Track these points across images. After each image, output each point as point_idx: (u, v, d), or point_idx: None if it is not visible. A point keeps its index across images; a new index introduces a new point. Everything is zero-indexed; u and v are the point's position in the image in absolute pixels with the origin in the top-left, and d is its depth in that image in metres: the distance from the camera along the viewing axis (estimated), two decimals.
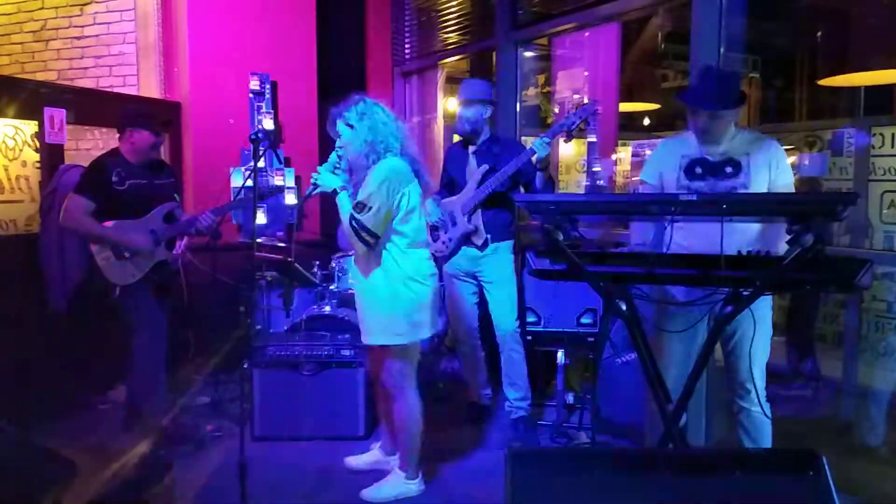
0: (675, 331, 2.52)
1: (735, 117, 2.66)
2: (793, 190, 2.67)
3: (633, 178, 5.55)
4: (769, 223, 2.56)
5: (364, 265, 2.88)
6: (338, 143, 2.88)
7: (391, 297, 2.83)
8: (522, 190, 3.62)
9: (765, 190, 2.58)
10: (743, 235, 2.52)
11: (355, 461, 3.26)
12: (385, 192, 2.73)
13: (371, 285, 2.86)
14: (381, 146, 2.78)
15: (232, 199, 4.31)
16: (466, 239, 3.68)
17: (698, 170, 2.66)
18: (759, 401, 2.59)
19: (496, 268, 3.67)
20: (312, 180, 2.87)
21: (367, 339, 2.94)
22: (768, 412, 2.61)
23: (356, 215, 2.73)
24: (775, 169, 2.58)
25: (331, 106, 2.91)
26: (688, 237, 2.58)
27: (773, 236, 2.56)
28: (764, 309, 2.58)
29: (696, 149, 2.68)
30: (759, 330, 2.43)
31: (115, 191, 3.33)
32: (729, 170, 2.60)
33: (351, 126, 2.81)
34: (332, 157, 2.90)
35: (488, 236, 3.64)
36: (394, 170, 2.77)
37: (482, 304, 3.82)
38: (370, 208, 2.72)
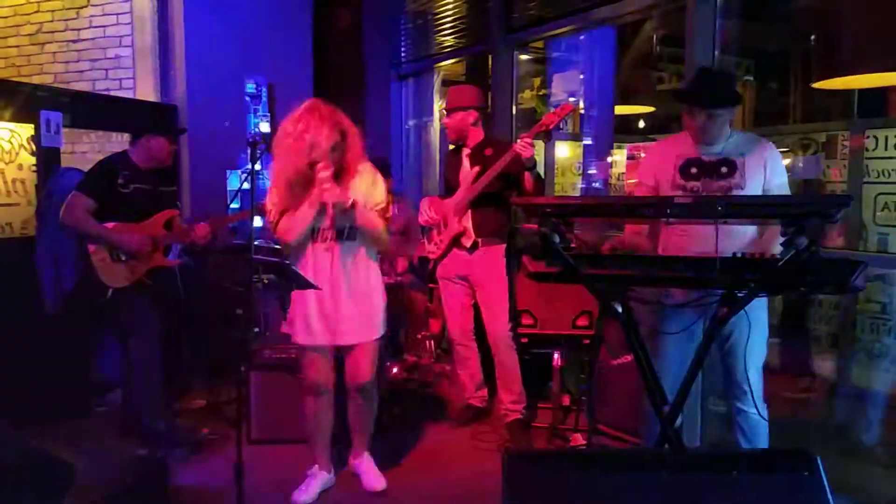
0: (671, 332, 2.53)
1: (730, 117, 2.67)
2: (787, 191, 2.68)
3: (629, 181, 5.58)
4: (765, 226, 2.58)
5: (365, 264, 2.93)
6: (335, 150, 2.74)
7: (383, 289, 3.02)
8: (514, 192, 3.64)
9: (759, 191, 2.59)
10: (740, 239, 2.54)
11: (306, 496, 2.97)
12: None
13: (374, 280, 2.97)
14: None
15: (228, 201, 4.32)
16: (456, 240, 3.69)
17: (693, 170, 2.67)
18: (755, 402, 2.60)
19: (487, 270, 3.68)
20: (333, 199, 2.68)
21: (375, 334, 2.97)
22: (765, 414, 2.62)
23: (386, 214, 2.92)
24: (770, 170, 2.60)
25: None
26: (684, 239, 2.59)
27: (769, 239, 2.58)
28: (759, 311, 2.59)
29: (691, 149, 2.70)
30: (755, 332, 2.44)
31: (119, 193, 3.33)
32: (724, 170, 2.62)
33: (345, 133, 2.77)
34: (327, 173, 2.69)
35: (479, 239, 3.65)
36: None
37: (476, 306, 3.83)
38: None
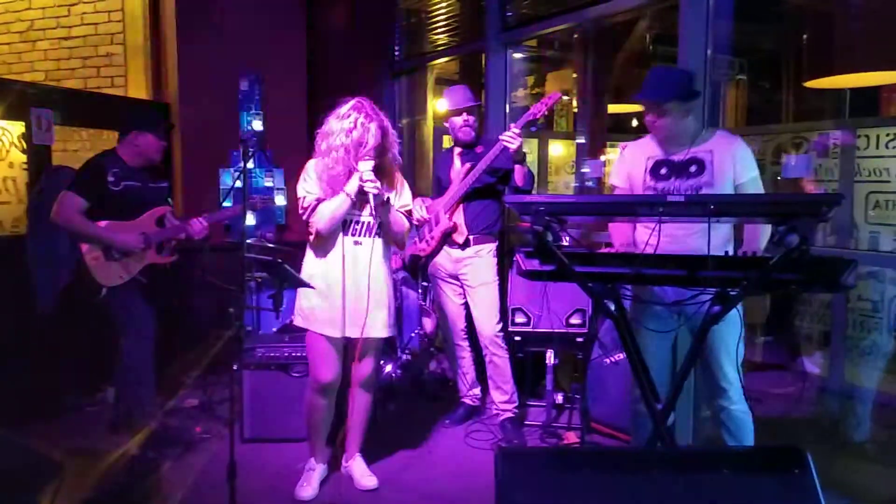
0: (657, 330, 2.53)
1: (683, 114, 2.62)
2: (760, 185, 2.65)
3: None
4: (740, 225, 2.58)
5: (386, 262, 3.02)
6: (377, 148, 2.82)
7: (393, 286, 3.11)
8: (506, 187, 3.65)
9: (730, 187, 2.58)
10: (715, 234, 2.53)
11: (310, 490, 3.02)
12: None
13: (390, 278, 3.05)
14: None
15: (221, 199, 4.31)
16: (447, 237, 3.69)
17: (663, 170, 2.68)
18: (738, 397, 2.60)
19: (478, 271, 3.68)
20: (375, 190, 2.74)
21: (392, 330, 3.06)
22: (749, 407, 2.62)
23: (412, 217, 3.07)
24: (739, 166, 2.58)
25: (361, 107, 2.81)
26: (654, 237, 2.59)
27: (748, 235, 2.59)
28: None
29: (660, 150, 2.70)
30: (728, 328, 2.42)
31: (110, 191, 3.32)
32: (693, 169, 2.62)
33: (385, 133, 2.86)
34: (369, 165, 2.79)
35: (471, 236, 3.65)
36: None
37: (468, 304, 3.83)
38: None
